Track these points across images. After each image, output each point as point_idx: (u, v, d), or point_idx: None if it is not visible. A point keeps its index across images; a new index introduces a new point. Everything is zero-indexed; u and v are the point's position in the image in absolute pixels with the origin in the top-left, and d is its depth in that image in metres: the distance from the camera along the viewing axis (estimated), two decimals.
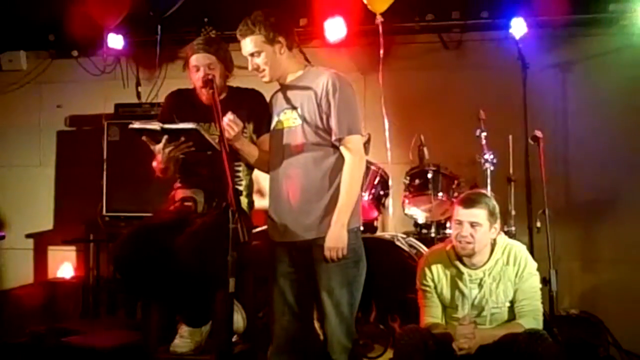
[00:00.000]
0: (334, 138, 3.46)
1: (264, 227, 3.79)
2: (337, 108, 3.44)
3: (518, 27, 5.38)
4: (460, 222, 3.57)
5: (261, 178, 3.91)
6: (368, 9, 5.27)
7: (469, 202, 3.60)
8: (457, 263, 3.62)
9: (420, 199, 4.82)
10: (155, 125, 3.45)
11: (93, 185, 5.81)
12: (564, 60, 5.71)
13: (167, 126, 3.45)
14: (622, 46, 5.52)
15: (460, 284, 3.60)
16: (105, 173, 5.76)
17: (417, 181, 4.81)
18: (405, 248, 4.45)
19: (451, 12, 5.81)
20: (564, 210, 5.49)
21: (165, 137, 3.44)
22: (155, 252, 3.49)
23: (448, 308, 3.64)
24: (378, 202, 4.77)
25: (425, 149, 4.91)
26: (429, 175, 4.74)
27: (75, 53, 6.41)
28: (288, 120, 3.55)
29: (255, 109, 3.66)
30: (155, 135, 3.46)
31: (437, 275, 3.64)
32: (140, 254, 3.49)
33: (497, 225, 3.60)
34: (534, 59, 5.50)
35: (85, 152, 6.18)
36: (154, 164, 3.61)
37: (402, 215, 5.06)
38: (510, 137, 5.12)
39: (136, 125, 3.47)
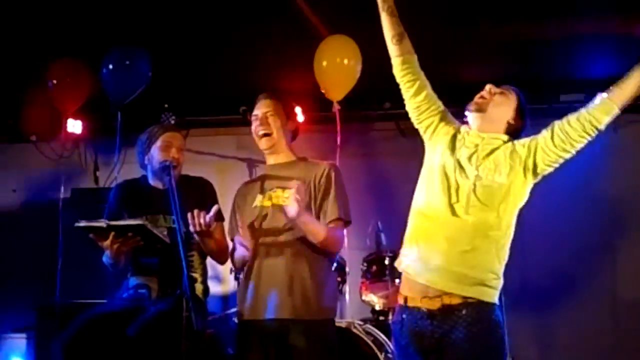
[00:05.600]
0: (328, 220, 3.45)
1: (221, 314, 3.74)
2: (336, 192, 3.49)
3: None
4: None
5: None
6: (326, 96, 5.37)
7: None
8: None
9: (378, 286, 4.82)
10: (101, 223, 3.43)
11: (46, 271, 5.72)
12: None
13: (113, 223, 3.44)
14: None
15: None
16: (60, 259, 5.68)
17: (374, 267, 4.83)
18: (362, 335, 4.42)
19: None
20: (520, 296, 5.51)
21: (113, 233, 3.43)
22: (107, 341, 3.41)
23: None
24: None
25: (382, 235, 4.95)
26: (386, 262, 4.77)
27: (33, 138, 6.39)
28: (279, 198, 3.46)
29: (204, 198, 3.63)
30: (102, 233, 3.44)
31: None
32: (92, 343, 3.41)
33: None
34: None
35: (39, 237, 6.09)
36: (104, 258, 3.58)
37: (359, 302, 5.05)
38: None
39: (82, 223, 3.44)
